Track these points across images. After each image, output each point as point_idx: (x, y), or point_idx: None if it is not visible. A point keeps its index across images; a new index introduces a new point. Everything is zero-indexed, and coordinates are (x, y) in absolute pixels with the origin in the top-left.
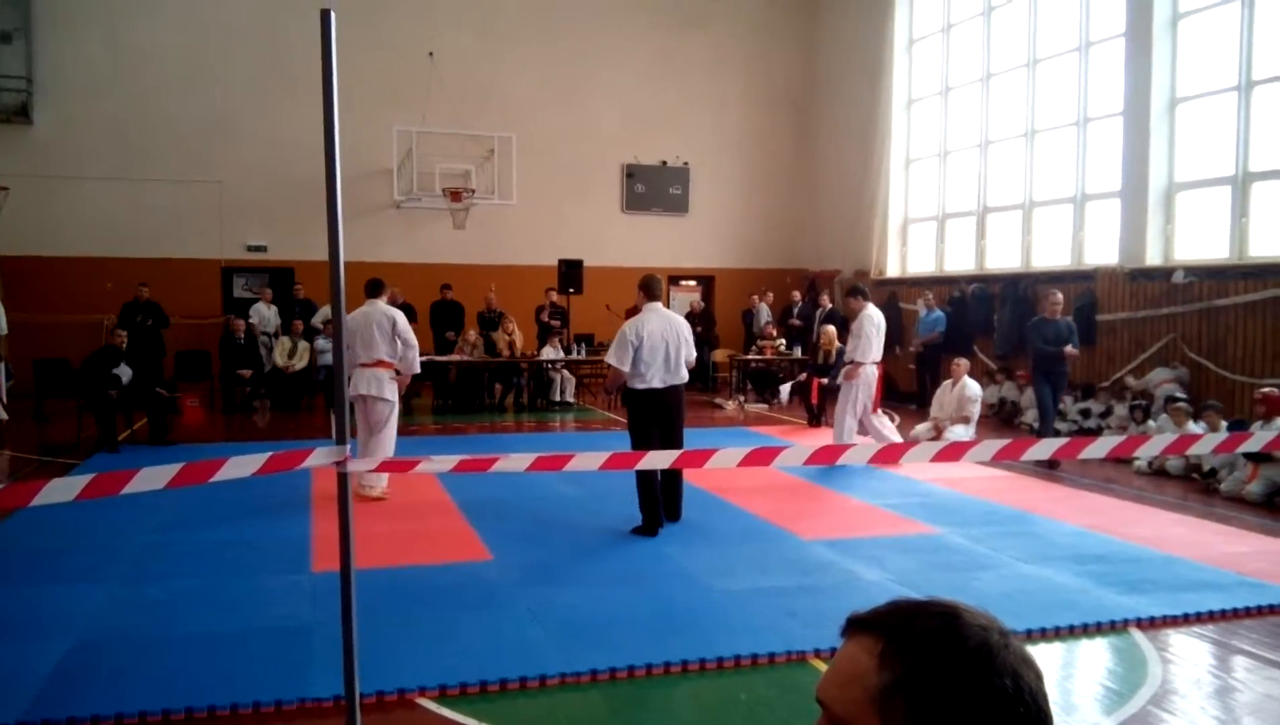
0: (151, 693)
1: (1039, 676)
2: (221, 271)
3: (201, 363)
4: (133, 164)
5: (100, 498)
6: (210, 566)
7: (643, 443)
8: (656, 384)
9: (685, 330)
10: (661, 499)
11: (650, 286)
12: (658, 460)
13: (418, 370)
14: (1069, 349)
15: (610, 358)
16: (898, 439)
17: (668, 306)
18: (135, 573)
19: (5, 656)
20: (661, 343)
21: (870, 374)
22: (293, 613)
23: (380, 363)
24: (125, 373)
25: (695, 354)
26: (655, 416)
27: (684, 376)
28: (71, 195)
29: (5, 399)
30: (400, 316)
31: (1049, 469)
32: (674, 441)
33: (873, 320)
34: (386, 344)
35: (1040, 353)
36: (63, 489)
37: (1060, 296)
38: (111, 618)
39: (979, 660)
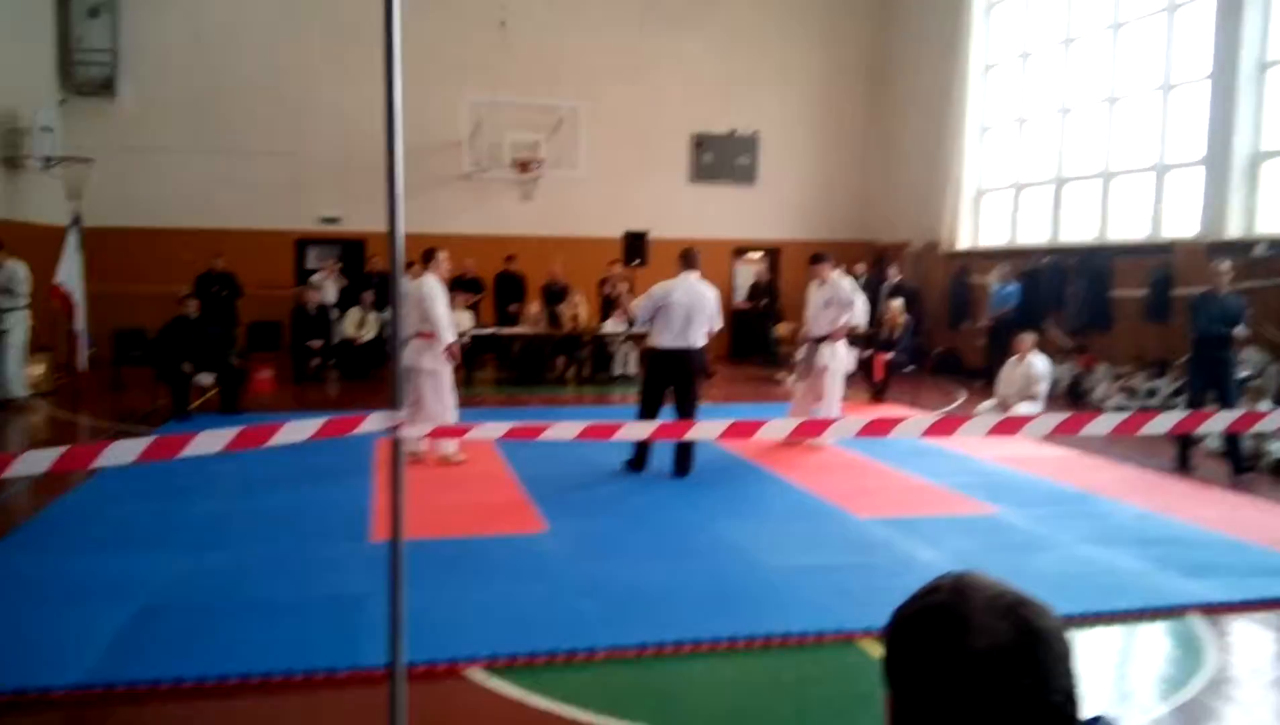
0: (209, 659)
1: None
2: (295, 243)
3: (273, 333)
4: (211, 136)
5: (161, 460)
6: (271, 534)
7: (649, 397)
8: (668, 344)
9: (710, 301)
10: (675, 455)
11: (687, 257)
12: (706, 431)
13: (447, 339)
14: (1239, 331)
15: (635, 307)
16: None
17: (729, 277)
18: (198, 540)
19: (71, 620)
20: (682, 308)
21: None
22: (350, 581)
23: (420, 334)
24: (207, 378)
25: (720, 324)
26: (666, 374)
27: (697, 342)
28: (151, 167)
29: (86, 365)
30: (431, 289)
31: (1181, 469)
32: (686, 399)
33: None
34: (418, 316)
35: (1205, 335)
36: (123, 451)
37: (1229, 264)
38: (174, 584)
39: (921, 622)
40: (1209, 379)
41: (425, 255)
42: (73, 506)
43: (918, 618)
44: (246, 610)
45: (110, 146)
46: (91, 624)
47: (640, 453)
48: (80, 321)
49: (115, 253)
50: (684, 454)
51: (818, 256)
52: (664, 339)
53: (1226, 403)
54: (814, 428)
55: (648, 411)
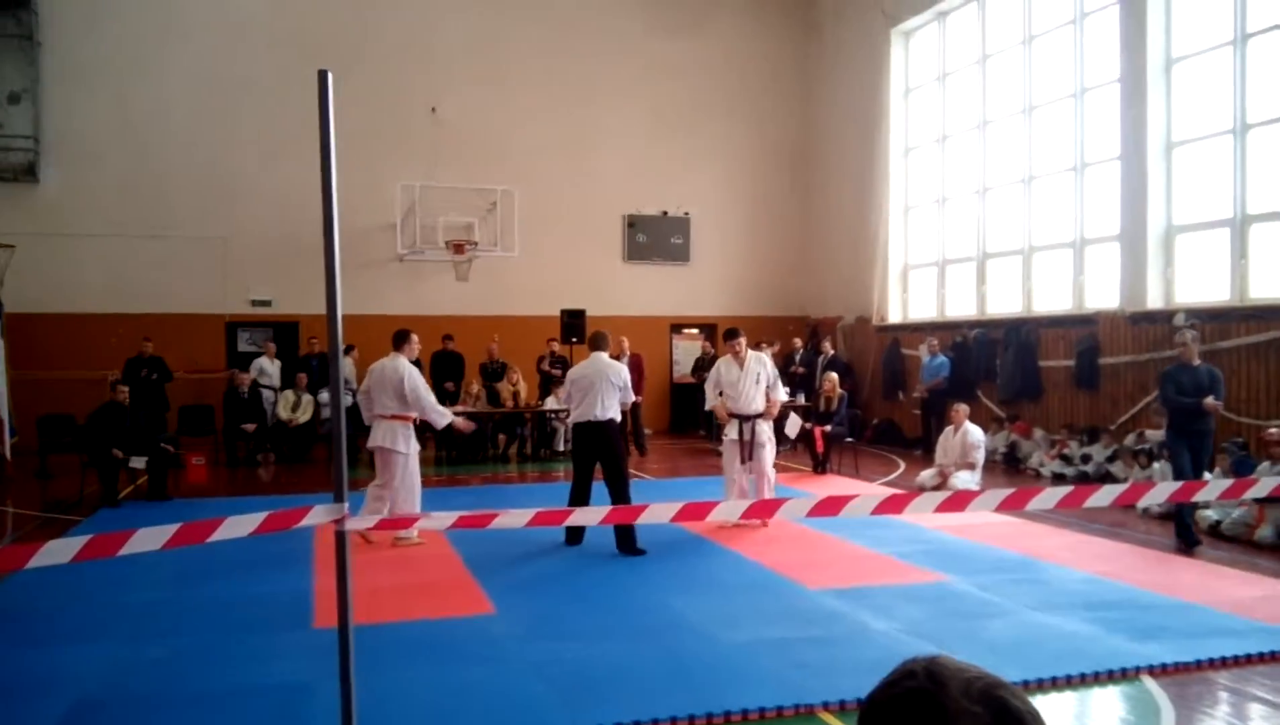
0: None
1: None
2: (226, 326)
3: (205, 417)
4: (138, 220)
5: (100, 558)
6: (211, 624)
7: (576, 469)
8: (577, 417)
9: (615, 376)
10: (615, 528)
11: (594, 339)
12: (658, 514)
13: (439, 424)
14: (1210, 401)
15: (559, 394)
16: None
17: (669, 352)
18: (135, 631)
19: (5, 718)
20: (587, 382)
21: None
22: (294, 670)
23: (396, 416)
24: (139, 462)
25: (631, 398)
26: (585, 446)
27: (606, 414)
28: (76, 252)
29: (9, 453)
30: (408, 372)
31: (1186, 547)
32: (611, 471)
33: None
34: (391, 399)
35: (1176, 407)
36: (60, 550)
37: (1194, 334)
38: (111, 677)
39: (921, 691)
40: (1191, 447)
41: (397, 336)
42: (1, 599)
43: (894, 705)
44: (189, 702)
45: (33, 232)
46: (27, 721)
47: (574, 527)
48: (3, 408)
49: (39, 338)
50: (624, 530)
51: (732, 332)
52: (575, 413)
53: (1199, 462)
54: (765, 508)
55: (577, 482)
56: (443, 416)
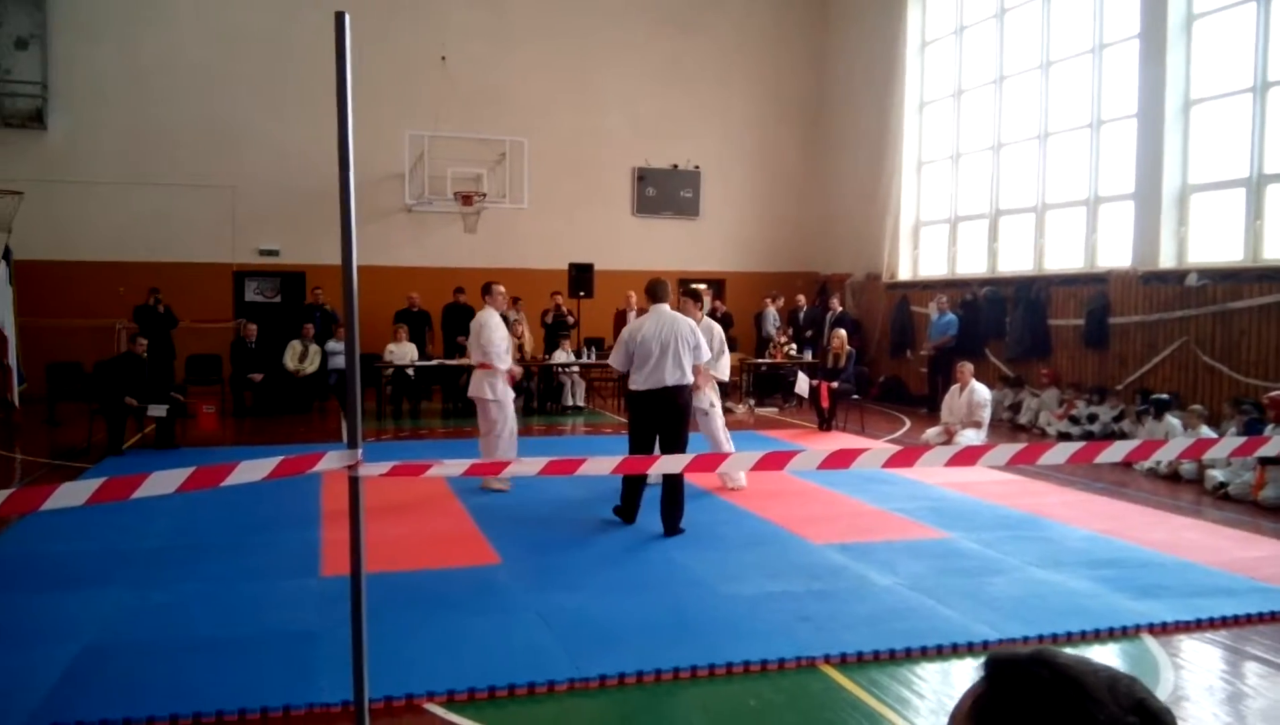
0: (159, 698)
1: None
2: (233, 276)
3: (213, 366)
4: (145, 169)
5: (114, 502)
6: (218, 571)
7: (638, 443)
8: (650, 385)
9: (686, 332)
10: (661, 509)
11: (653, 290)
12: (669, 464)
13: (504, 366)
14: None
15: (611, 359)
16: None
17: (674, 308)
18: (143, 577)
19: (12, 662)
20: (656, 344)
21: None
22: (301, 617)
23: (481, 365)
24: (159, 410)
25: (707, 356)
26: (650, 417)
27: (680, 378)
28: (84, 200)
29: (18, 400)
30: (486, 320)
31: None
32: (674, 443)
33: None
34: (477, 348)
35: None
36: (73, 493)
37: None
38: (119, 623)
39: (1061, 693)
40: None
41: (484, 288)
42: (9, 545)
43: (1028, 710)
44: (196, 648)
45: (40, 178)
46: (34, 666)
47: (629, 503)
48: (12, 356)
49: (47, 286)
50: (671, 508)
51: (691, 292)
52: (636, 380)
53: None
54: (778, 460)
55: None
56: (503, 362)
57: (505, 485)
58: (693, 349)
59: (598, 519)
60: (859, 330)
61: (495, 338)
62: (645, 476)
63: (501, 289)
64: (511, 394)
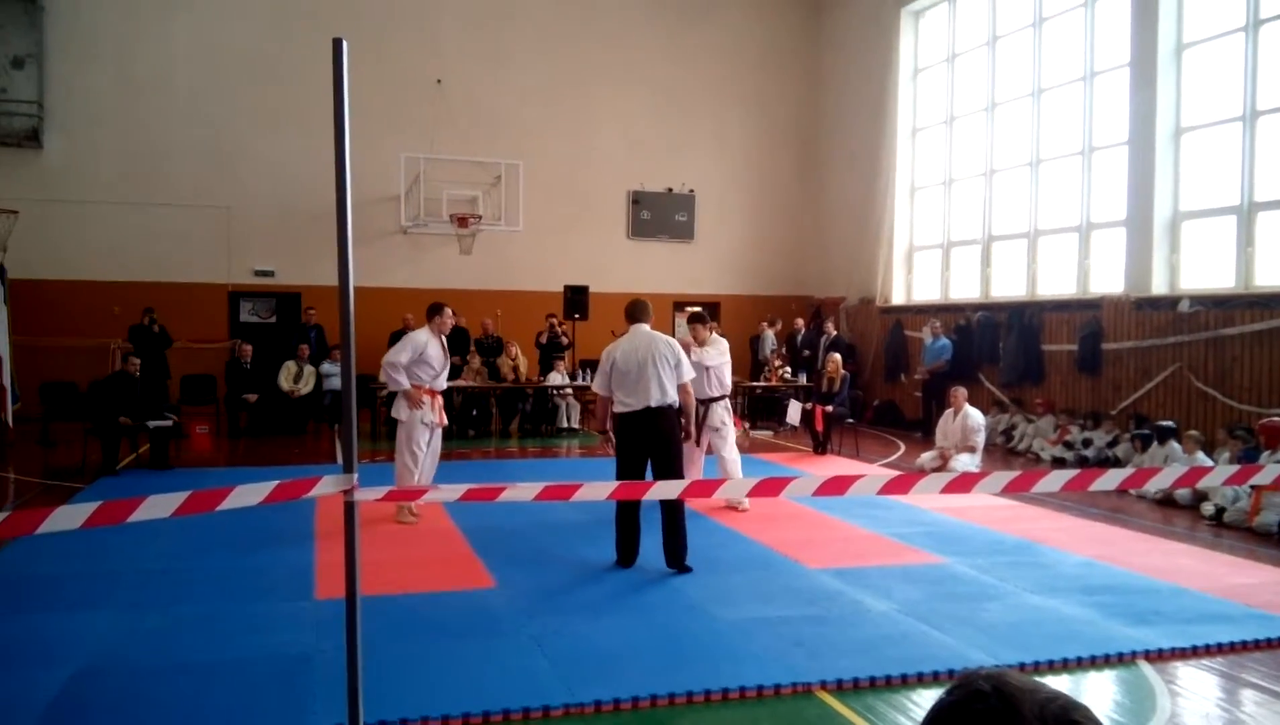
0: (153, 721)
1: None
2: (229, 296)
3: (207, 387)
4: (141, 189)
5: (109, 525)
6: (212, 593)
7: (626, 469)
8: (633, 406)
9: (665, 350)
10: (663, 541)
11: (631, 310)
12: (665, 490)
13: (393, 385)
14: None
15: (594, 385)
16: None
17: (671, 331)
18: (136, 599)
19: (6, 685)
20: (634, 364)
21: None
22: (295, 640)
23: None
24: (164, 423)
25: (691, 374)
26: (638, 441)
27: (663, 399)
28: (79, 219)
29: (11, 419)
30: (411, 336)
31: None
32: (668, 469)
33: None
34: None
35: None
36: (69, 517)
37: None
38: (112, 645)
39: (993, 708)
40: None
41: (428, 310)
42: (3, 566)
43: (966, 718)
44: (189, 671)
45: (36, 198)
46: (27, 689)
47: (626, 545)
48: (5, 375)
49: (42, 305)
50: (673, 539)
51: (697, 316)
52: (620, 403)
53: None
54: (774, 487)
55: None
56: (396, 383)
57: (412, 518)
58: (674, 367)
59: (593, 543)
60: (853, 354)
61: (397, 353)
62: (638, 514)
63: (448, 311)
64: (430, 417)
